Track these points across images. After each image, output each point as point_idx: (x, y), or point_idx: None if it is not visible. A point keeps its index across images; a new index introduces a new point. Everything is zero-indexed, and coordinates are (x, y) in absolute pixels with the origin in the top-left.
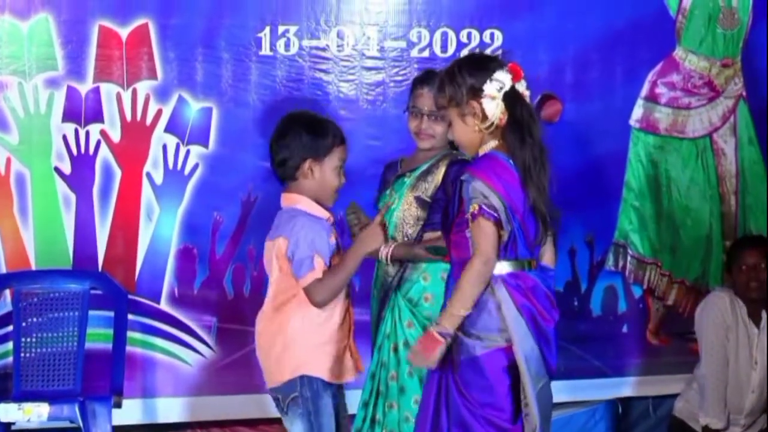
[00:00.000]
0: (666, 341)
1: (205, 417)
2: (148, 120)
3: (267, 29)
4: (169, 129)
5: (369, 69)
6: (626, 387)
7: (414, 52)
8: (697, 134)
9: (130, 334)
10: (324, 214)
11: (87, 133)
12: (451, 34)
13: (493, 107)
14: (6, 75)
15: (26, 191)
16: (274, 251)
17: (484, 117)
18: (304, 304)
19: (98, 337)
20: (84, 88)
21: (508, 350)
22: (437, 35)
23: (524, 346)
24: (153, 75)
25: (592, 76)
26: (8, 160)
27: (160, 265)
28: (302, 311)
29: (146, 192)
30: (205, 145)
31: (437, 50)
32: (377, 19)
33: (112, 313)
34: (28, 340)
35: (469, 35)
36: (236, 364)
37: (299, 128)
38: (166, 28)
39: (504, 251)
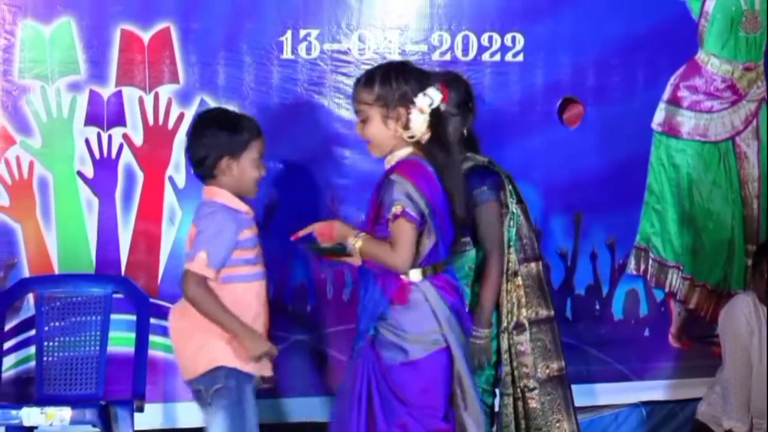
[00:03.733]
0: (688, 345)
1: None
2: (171, 124)
3: (288, 33)
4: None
5: None
6: (649, 391)
7: (435, 56)
8: (720, 138)
9: (152, 338)
10: (243, 207)
11: (109, 137)
12: (473, 38)
13: (420, 121)
14: (28, 79)
15: (49, 195)
16: (188, 240)
17: (407, 126)
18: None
19: (120, 341)
20: (106, 92)
21: (445, 351)
22: (458, 39)
23: (460, 344)
24: (175, 79)
25: (614, 79)
26: (31, 164)
27: (182, 269)
28: None
29: (168, 196)
30: None
31: (458, 54)
32: (398, 22)
33: (134, 317)
34: (51, 344)
35: (490, 39)
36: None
37: (215, 127)
38: (188, 32)
39: (428, 255)
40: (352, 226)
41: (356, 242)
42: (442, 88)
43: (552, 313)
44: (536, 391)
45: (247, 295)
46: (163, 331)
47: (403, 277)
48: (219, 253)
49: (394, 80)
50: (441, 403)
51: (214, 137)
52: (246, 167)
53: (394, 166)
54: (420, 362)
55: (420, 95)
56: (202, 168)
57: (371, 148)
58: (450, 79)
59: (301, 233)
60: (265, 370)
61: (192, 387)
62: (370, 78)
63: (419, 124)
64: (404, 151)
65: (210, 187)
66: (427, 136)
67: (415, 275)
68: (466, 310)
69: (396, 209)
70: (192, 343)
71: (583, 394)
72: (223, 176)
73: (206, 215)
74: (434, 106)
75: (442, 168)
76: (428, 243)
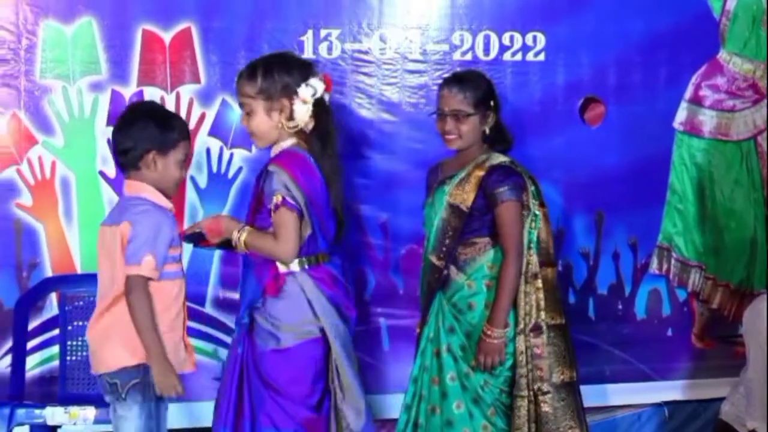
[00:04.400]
0: (711, 345)
1: None
2: (192, 124)
3: (309, 33)
4: (212, 132)
5: (411, 72)
6: (672, 391)
7: (456, 55)
8: (742, 137)
9: None
10: (167, 204)
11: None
12: (494, 37)
13: (303, 111)
14: (50, 79)
15: (71, 195)
16: (118, 237)
17: (291, 117)
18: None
19: None
20: (128, 91)
21: (318, 340)
22: (479, 38)
23: (339, 334)
24: (196, 79)
25: (636, 78)
26: (53, 164)
27: (204, 269)
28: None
29: (190, 195)
30: (249, 148)
31: (479, 53)
32: (419, 22)
33: None
34: (74, 343)
35: (511, 38)
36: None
37: (147, 119)
38: (209, 32)
39: (306, 246)
40: (237, 220)
41: (240, 236)
42: (325, 78)
43: (564, 321)
44: (549, 395)
45: (172, 292)
46: (187, 331)
47: (280, 267)
48: (161, 254)
49: (276, 72)
50: (311, 392)
51: (144, 130)
52: (170, 166)
53: (273, 157)
54: (291, 350)
55: (303, 86)
56: (126, 158)
57: (255, 140)
58: (466, 78)
59: (188, 230)
60: (186, 368)
61: (106, 380)
62: (253, 71)
63: (302, 114)
64: (288, 142)
65: (133, 181)
66: (311, 126)
67: (293, 266)
68: (352, 305)
69: (277, 199)
70: (113, 339)
71: (605, 394)
72: (147, 170)
73: (139, 213)
74: (317, 96)
75: (318, 159)
76: (304, 234)
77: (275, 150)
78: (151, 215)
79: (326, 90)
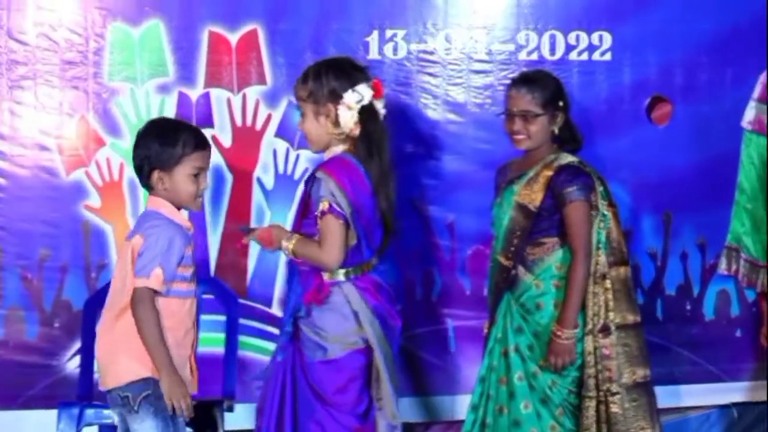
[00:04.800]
0: None
1: None
2: (258, 125)
3: (375, 33)
4: (279, 133)
5: (477, 72)
6: (741, 392)
7: (522, 55)
8: None
9: (242, 338)
10: (185, 223)
11: (203, 135)
12: (559, 37)
13: (348, 117)
14: (118, 81)
15: (138, 196)
16: (129, 250)
17: (337, 123)
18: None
19: (210, 341)
20: (194, 93)
21: (364, 351)
22: (545, 38)
23: (382, 346)
24: (262, 80)
25: (703, 78)
26: (121, 166)
27: (271, 270)
28: None
29: (257, 197)
30: None
31: (545, 53)
32: (485, 22)
33: (223, 318)
34: None
35: (577, 37)
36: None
37: (149, 138)
38: (275, 34)
39: (351, 255)
40: (286, 229)
41: (289, 244)
42: (375, 85)
43: (639, 318)
44: (618, 396)
45: (181, 311)
46: (253, 332)
47: (325, 276)
48: (170, 269)
49: (324, 76)
50: (359, 401)
51: (146, 149)
52: (179, 182)
53: (321, 164)
54: (338, 361)
55: (349, 91)
56: (140, 178)
57: (309, 143)
58: (534, 78)
59: (245, 240)
60: (189, 388)
61: (117, 394)
62: (306, 74)
63: (346, 120)
64: (339, 148)
65: (153, 197)
66: (357, 132)
67: (338, 276)
68: (397, 313)
69: (323, 206)
70: (123, 352)
71: (673, 395)
72: (158, 188)
73: (153, 227)
74: (364, 102)
75: (365, 165)
76: (350, 243)
77: (327, 155)
78: (164, 230)
79: (375, 96)
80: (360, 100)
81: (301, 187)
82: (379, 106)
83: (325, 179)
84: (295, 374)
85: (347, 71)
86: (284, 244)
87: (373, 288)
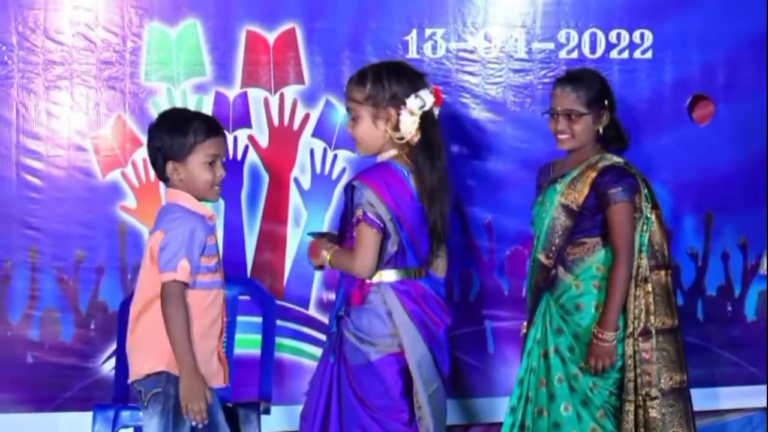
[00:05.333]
0: None
1: None
2: (296, 125)
3: (414, 32)
4: (316, 133)
5: (516, 71)
6: None
7: (562, 54)
8: None
9: (279, 339)
10: (206, 211)
11: (235, 138)
12: (600, 35)
13: (410, 122)
14: (155, 81)
15: None
16: (150, 245)
17: (396, 128)
18: None
19: (247, 342)
20: (232, 93)
21: (400, 355)
22: (586, 36)
23: (415, 351)
24: (300, 79)
25: (745, 76)
26: None
27: (308, 271)
28: None
29: (294, 197)
30: (353, 149)
31: (586, 51)
32: (524, 20)
33: (260, 319)
34: None
35: (618, 36)
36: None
37: (159, 130)
38: (313, 33)
39: (393, 260)
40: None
41: (327, 255)
42: (435, 92)
43: (677, 323)
44: (657, 401)
45: (205, 302)
46: (290, 333)
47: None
48: (195, 260)
49: (385, 80)
50: (401, 407)
51: (158, 140)
52: (193, 171)
53: (362, 171)
54: (375, 364)
55: (412, 96)
56: (156, 171)
57: (358, 147)
58: (579, 77)
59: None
60: (214, 382)
61: (135, 388)
62: (363, 76)
63: (408, 125)
64: (389, 153)
65: (171, 189)
66: (416, 138)
67: (385, 276)
68: (443, 319)
69: (358, 214)
70: (141, 347)
71: (715, 398)
72: (173, 179)
73: (172, 221)
74: (425, 108)
75: (421, 173)
76: (390, 250)
77: (380, 159)
78: (184, 222)
79: (436, 104)
80: (422, 106)
81: (338, 190)
82: (436, 113)
83: (361, 187)
84: (340, 379)
85: (408, 76)
86: (323, 254)
87: (416, 293)
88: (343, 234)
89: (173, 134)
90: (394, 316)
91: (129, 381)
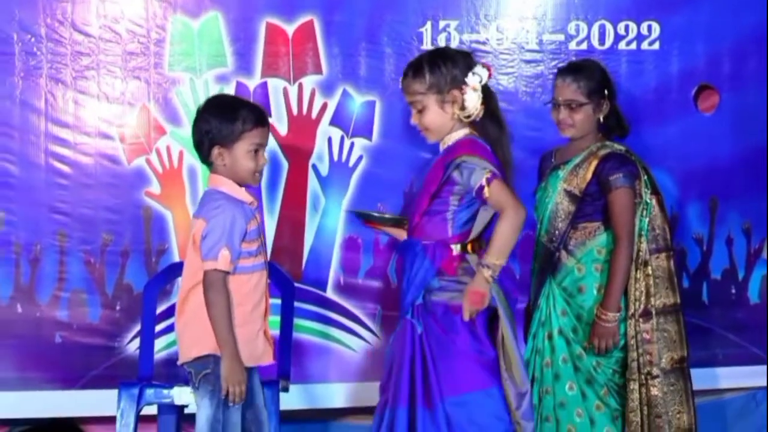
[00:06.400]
0: None
1: (370, 402)
2: (314, 113)
3: (428, 24)
4: (334, 122)
5: (528, 62)
6: None
7: (572, 45)
8: None
9: (297, 321)
10: (247, 198)
11: (264, 110)
12: (609, 27)
13: (475, 99)
14: (178, 71)
15: (197, 183)
16: (193, 232)
17: (463, 107)
18: None
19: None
20: (252, 83)
21: (488, 309)
22: (595, 28)
23: (507, 315)
24: (318, 70)
25: (749, 67)
26: (181, 154)
27: (326, 255)
28: None
29: (312, 183)
30: (369, 137)
31: (595, 43)
32: (536, 12)
33: (279, 301)
34: None
35: (626, 27)
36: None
37: (209, 114)
38: (331, 25)
39: (484, 230)
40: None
41: (493, 266)
42: (486, 65)
43: (678, 301)
44: (658, 379)
45: (246, 286)
46: (308, 315)
47: (454, 249)
48: (236, 248)
49: (442, 65)
50: (487, 346)
51: (206, 124)
52: (239, 158)
53: (459, 146)
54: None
55: (469, 74)
56: (200, 154)
57: (428, 135)
58: (580, 68)
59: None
60: (263, 360)
61: (186, 369)
62: (418, 68)
63: (474, 102)
64: (461, 132)
65: (214, 175)
66: (481, 113)
67: (467, 248)
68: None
69: (486, 174)
70: (190, 329)
71: (719, 377)
72: (218, 164)
73: (214, 209)
74: (483, 82)
75: (495, 142)
76: (487, 217)
77: (448, 140)
78: (225, 209)
79: (488, 77)
80: (481, 81)
81: (355, 176)
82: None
83: (472, 160)
84: (429, 344)
85: (460, 57)
86: (488, 274)
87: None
88: (427, 210)
89: (222, 120)
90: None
91: (179, 363)
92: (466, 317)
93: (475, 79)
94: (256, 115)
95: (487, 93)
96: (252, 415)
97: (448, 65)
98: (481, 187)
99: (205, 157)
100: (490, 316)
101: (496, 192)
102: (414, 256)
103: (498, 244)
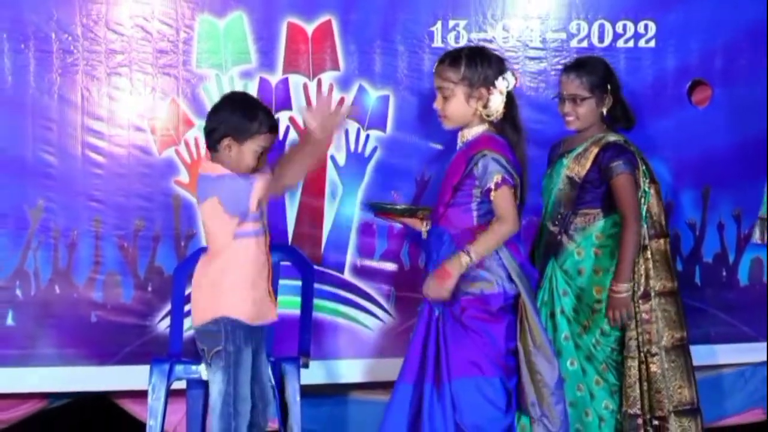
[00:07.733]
0: None
1: (384, 377)
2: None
3: (438, 23)
4: (350, 115)
5: (532, 59)
6: None
7: (573, 43)
8: None
9: (317, 301)
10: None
11: (277, 120)
12: (608, 26)
13: (499, 101)
14: (205, 68)
15: None
16: (205, 215)
17: (486, 106)
18: (226, 252)
19: (288, 304)
20: (274, 79)
21: (512, 295)
22: (595, 27)
23: (529, 296)
24: (336, 66)
25: (740, 62)
26: None
27: (343, 239)
28: (224, 258)
29: (330, 173)
30: (383, 129)
31: (595, 41)
32: (539, 12)
33: (300, 283)
34: None
35: (624, 26)
36: (413, 328)
37: (231, 106)
38: (348, 24)
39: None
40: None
41: (470, 255)
42: (515, 74)
43: (676, 285)
44: (657, 357)
45: (253, 248)
46: (326, 295)
47: (478, 237)
48: (248, 210)
49: (479, 63)
50: (509, 336)
51: (226, 113)
52: (245, 154)
53: (481, 142)
54: (488, 296)
55: (500, 78)
56: (210, 139)
57: (445, 121)
58: (583, 64)
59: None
60: (269, 318)
61: (198, 345)
62: (456, 58)
63: (497, 104)
64: (481, 127)
65: (209, 162)
66: (500, 116)
67: None
68: (535, 271)
69: (497, 178)
70: (203, 294)
71: (711, 354)
72: (223, 154)
73: (215, 180)
74: (510, 88)
75: (513, 145)
76: (520, 210)
77: (467, 134)
78: (232, 181)
79: (515, 84)
80: (508, 86)
81: (371, 166)
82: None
83: (493, 155)
84: (444, 327)
85: (495, 60)
86: (464, 261)
87: (516, 248)
88: (450, 201)
89: (243, 116)
90: (508, 268)
91: (193, 329)
92: (425, 292)
93: (503, 84)
94: (272, 121)
95: (510, 98)
96: (259, 390)
97: (484, 64)
98: (489, 189)
99: (214, 144)
100: (514, 304)
101: (500, 198)
102: (441, 245)
103: (483, 243)
